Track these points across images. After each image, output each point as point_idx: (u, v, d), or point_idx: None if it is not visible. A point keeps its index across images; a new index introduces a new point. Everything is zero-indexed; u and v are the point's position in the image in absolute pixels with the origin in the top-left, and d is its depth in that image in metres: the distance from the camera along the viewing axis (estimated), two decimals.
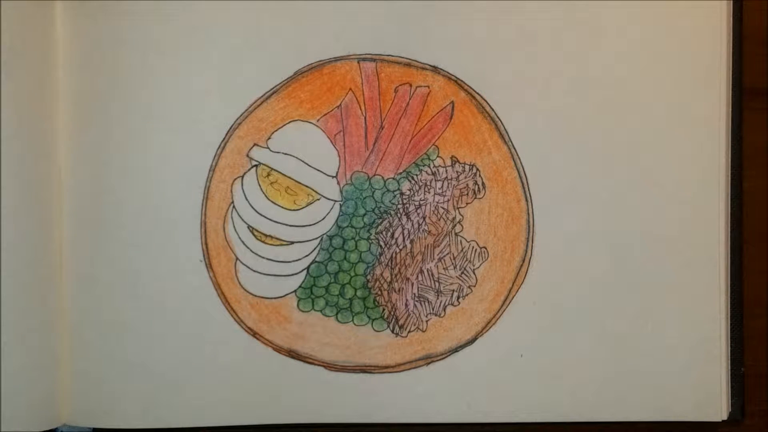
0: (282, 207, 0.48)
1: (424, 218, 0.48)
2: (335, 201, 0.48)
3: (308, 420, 0.48)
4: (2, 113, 0.44)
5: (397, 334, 0.48)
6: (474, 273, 0.48)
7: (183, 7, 0.47)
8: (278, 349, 0.48)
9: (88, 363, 0.48)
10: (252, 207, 0.48)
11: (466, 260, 0.48)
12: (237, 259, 0.48)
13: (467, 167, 0.48)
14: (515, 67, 0.48)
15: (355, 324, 0.48)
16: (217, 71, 0.48)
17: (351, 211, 0.48)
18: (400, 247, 0.48)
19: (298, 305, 0.48)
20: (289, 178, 0.48)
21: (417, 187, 0.48)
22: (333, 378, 0.48)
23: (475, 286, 0.48)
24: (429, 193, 0.48)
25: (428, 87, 0.48)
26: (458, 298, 0.48)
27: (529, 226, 0.48)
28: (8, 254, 0.45)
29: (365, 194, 0.48)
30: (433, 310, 0.48)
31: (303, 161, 0.48)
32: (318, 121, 0.48)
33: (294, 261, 0.48)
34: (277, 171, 0.48)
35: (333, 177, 0.48)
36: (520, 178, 0.48)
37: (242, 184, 0.48)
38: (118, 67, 0.47)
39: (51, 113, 0.47)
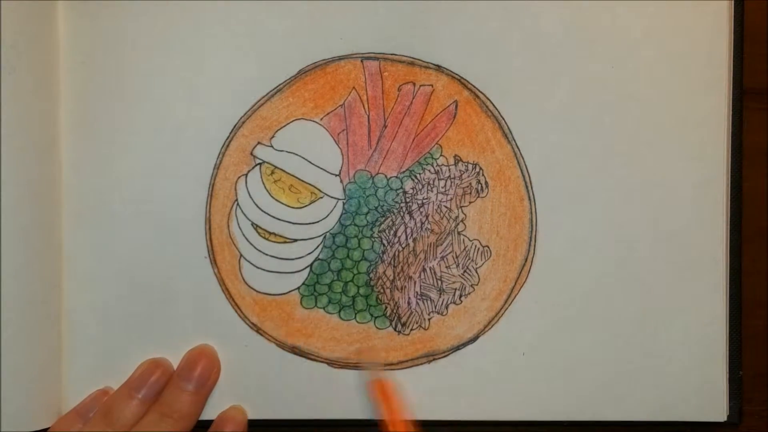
0: (285, 205, 0.48)
1: (427, 217, 0.48)
2: (338, 199, 0.48)
3: (311, 416, 0.48)
4: (3, 112, 0.44)
5: (399, 332, 0.48)
6: (476, 272, 0.49)
7: (186, 6, 0.48)
8: (282, 345, 0.48)
9: (91, 360, 0.48)
10: (256, 205, 0.48)
11: (469, 259, 0.48)
12: (241, 255, 0.48)
13: (470, 166, 0.48)
14: (519, 66, 0.48)
15: (357, 321, 0.48)
16: (220, 70, 0.48)
17: (354, 210, 0.48)
18: (403, 245, 0.48)
19: (301, 302, 0.48)
20: (293, 176, 0.48)
21: (420, 186, 0.48)
22: (336, 375, 0.48)
23: (477, 285, 0.49)
24: (432, 191, 0.48)
25: (432, 86, 0.48)
26: (460, 296, 0.49)
27: (531, 225, 0.48)
28: (10, 251, 0.45)
29: (368, 192, 0.48)
30: (435, 308, 0.49)
31: (306, 159, 0.48)
32: (321, 119, 0.48)
33: (297, 258, 0.48)
34: (280, 169, 0.48)
35: (336, 175, 0.48)
36: (523, 177, 0.48)
37: (246, 182, 0.48)
38: (121, 66, 0.48)
39: (53, 112, 0.47)
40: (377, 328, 0.48)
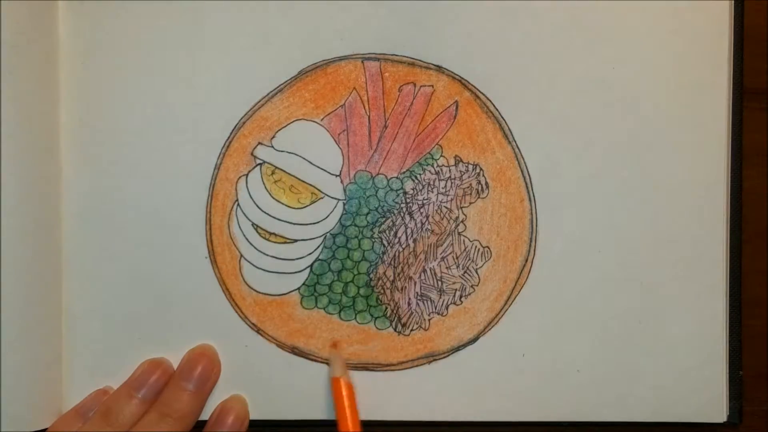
0: (286, 205, 0.48)
1: (427, 217, 0.48)
2: (339, 200, 0.48)
3: (311, 416, 0.48)
4: (3, 112, 0.44)
5: (399, 333, 0.49)
6: (477, 272, 0.49)
7: (186, 6, 0.48)
8: (282, 346, 0.48)
9: (91, 360, 0.48)
10: (256, 205, 0.48)
11: (469, 260, 0.49)
12: (241, 256, 0.48)
13: (471, 167, 0.48)
14: (519, 66, 0.48)
15: (358, 322, 0.48)
16: (221, 70, 0.48)
17: (354, 210, 0.48)
18: (403, 246, 0.48)
19: (301, 302, 0.48)
20: (293, 176, 0.48)
21: (420, 187, 0.48)
22: None
23: (477, 286, 0.49)
24: (432, 192, 0.48)
25: (432, 86, 0.48)
26: (461, 297, 0.49)
27: (532, 226, 0.48)
28: (10, 251, 0.45)
29: (368, 193, 0.48)
30: (435, 309, 0.49)
31: (307, 160, 0.48)
32: (322, 120, 0.48)
33: (297, 259, 0.48)
34: (281, 169, 0.48)
35: (336, 176, 0.48)
36: (524, 177, 0.48)
37: (247, 183, 0.48)
38: (121, 66, 0.48)
39: (53, 112, 0.47)
40: (377, 328, 0.48)
